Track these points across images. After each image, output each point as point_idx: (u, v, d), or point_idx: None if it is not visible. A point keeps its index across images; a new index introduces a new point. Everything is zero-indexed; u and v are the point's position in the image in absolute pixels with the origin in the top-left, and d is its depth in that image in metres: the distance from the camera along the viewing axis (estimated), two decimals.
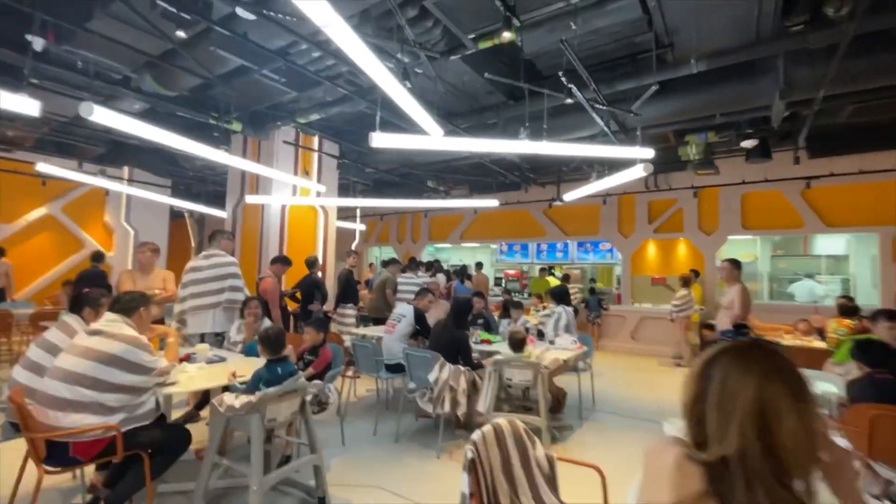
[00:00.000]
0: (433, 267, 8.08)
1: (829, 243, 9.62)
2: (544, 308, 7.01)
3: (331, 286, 6.86)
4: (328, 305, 6.29)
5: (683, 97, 4.63)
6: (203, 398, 3.48)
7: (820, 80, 3.93)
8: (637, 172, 4.09)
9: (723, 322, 4.41)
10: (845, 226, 7.32)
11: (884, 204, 7.07)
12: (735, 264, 4.52)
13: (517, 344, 3.51)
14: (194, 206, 8.58)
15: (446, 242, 12.14)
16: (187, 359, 2.91)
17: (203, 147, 3.97)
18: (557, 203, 7.76)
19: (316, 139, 6.76)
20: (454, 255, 16.00)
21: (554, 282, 9.22)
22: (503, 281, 12.55)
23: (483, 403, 3.45)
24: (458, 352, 3.53)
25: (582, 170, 8.11)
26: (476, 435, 1.66)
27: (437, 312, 5.76)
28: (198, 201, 8.77)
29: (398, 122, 4.85)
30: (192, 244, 12.21)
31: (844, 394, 2.63)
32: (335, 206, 7.35)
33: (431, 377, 3.36)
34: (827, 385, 2.99)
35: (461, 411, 3.43)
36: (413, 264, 6.40)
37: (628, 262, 9.15)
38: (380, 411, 4.24)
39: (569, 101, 4.36)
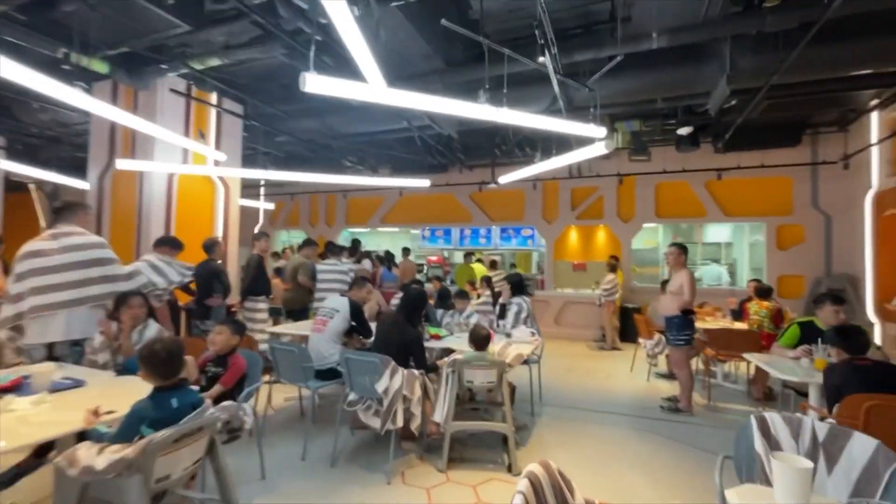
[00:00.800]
0: (358, 252, 7.29)
1: (717, 232, 10.73)
2: (478, 297, 6.70)
3: (233, 275, 5.76)
4: (232, 298, 5.25)
5: (633, 77, 4.48)
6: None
7: (764, 69, 3.99)
8: (598, 150, 3.83)
9: (668, 308, 4.41)
10: (740, 216, 8.08)
11: (772, 197, 7.91)
12: (682, 249, 4.53)
13: (481, 341, 3.03)
14: (42, 173, 6.66)
15: (364, 227, 11.29)
16: (15, 387, 1.92)
17: (49, 82, 2.79)
18: (492, 186, 7.43)
19: (214, 96, 5.54)
20: (371, 240, 15.15)
21: (480, 269, 8.98)
22: (425, 268, 12.12)
23: (440, 412, 2.93)
24: (410, 353, 2.95)
25: (515, 153, 7.87)
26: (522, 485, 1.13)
27: (372, 305, 5.12)
28: (48, 169, 6.84)
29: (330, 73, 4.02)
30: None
31: (821, 381, 2.59)
32: (239, 179, 6.18)
33: (380, 386, 2.74)
34: (786, 372, 2.99)
35: (415, 424, 2.86)
36: (334, 248, 5.59)
37: (552, 247, 9.24)
38: (307, 427, 3.49)
39: (526, 67, 3.94)
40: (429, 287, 7.65)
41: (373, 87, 2.75)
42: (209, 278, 4.20)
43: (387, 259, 7.62)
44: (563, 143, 5.61)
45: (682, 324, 4.38)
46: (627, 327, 8.24)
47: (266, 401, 3.69)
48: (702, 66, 4.29)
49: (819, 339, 3.02)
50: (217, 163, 5.59)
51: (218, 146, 5.67)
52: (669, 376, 5.54)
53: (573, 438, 3.59)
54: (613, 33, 3.86)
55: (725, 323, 5.40)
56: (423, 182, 7.26)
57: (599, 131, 4.03)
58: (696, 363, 5.11)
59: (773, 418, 1.72)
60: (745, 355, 3.45)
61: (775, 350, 3.40)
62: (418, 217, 10.61)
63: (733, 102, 5.51)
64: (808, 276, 7.57)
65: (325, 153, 8.08)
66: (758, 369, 4.68)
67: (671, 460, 3.25)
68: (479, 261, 9.68)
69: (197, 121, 5.37)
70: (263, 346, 3.46)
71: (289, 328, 4.58)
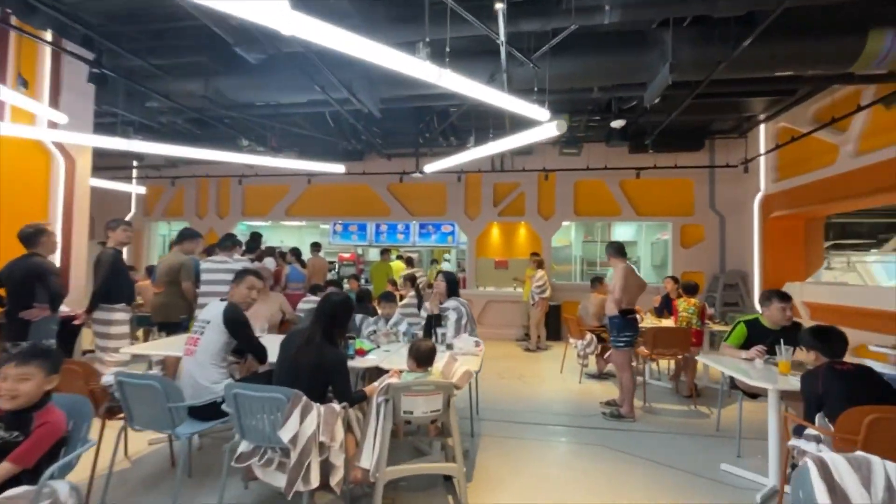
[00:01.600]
0: (257, 246, 6.14)
1: (623, 231, 11.31)
2: (401, 298, 6.00)
3: (78, 277, 4.39)
4: (75, 307, 3.94)
5: (576, 58, 4.15)
6: None
7: (704, 62, 3.88)
8: (548, 131, 3.38)
9: (609, 307, 4.15)
10: (650, 215, 8.44)
11: (677, 198, 8.37)
12: (613, 247, 4.32)
13: (425, 357, 2.37)
14: None
15: (265, 219, 9.90)
16: None
17: None
18: (416, 176, 6.76)
19: (49, 34, 4.10)
20: (273, 235, 13.63)
21: (400, 267, 8.29)
22: (336, 266, 11.08)
23: (368, 455, 2.21)
24: (329, 382, 2.18)
25: (438, 142, 7.30)
26: None
27: (264, 311, 4.14)
28: None
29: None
30: None
31: (783, 386, 2.37)
32: (89, 150, 4.74)
33: (286, 433, 1.94)
34: (741, 373, 2.79)
35: (336, 478, 2.11)
36: (226, 242, 4.50)
37: (474, 244, 8.88)
38: (178, 482, 2.51)
39: (465, 35, 3.36)
40: (346, 288, 6.78)
41: (282, 10, 1.94)
42: (26, 281, 2.94)
43: (294, 256, 6.57)
44: (498, 129, 5.16)
45: (621, 324, 4.16)
46: (549, 325, 8.17)
47: (117, 447, 2.62)
48: (644, 54, 4.09)
49: (782, 341, 2.85)
50: (54, 125, 4.16)
51: (55, 103, 4.23)
52: (600, 377, 5.40)
53: (522, 464, 3.09)
54: (562, 3, 3.44)
55: (651, 321, 5.39)
56: (337, 168, 6.36)
57: (543, 113, 3.62)
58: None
59: (836, 462, 1.33)
60: (699, 357, 3.25)
61: (725, 350, 3.25)
62: (329, 209, 9.55)
63: (657, 101, 5.55)
64: (706, 273, 8.13)
65: (216, 130, 6.74)
66: (684, 366, 4.67)
67: (631, 478, 2.91)
68: (398, 258, 8.98)
69: (19, 61, 3.91)
70: (108, 378, 2.41)
71: (158, 347, 3.46)
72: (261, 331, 3.45)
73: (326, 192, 9.49)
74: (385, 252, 8.47)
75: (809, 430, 2.20)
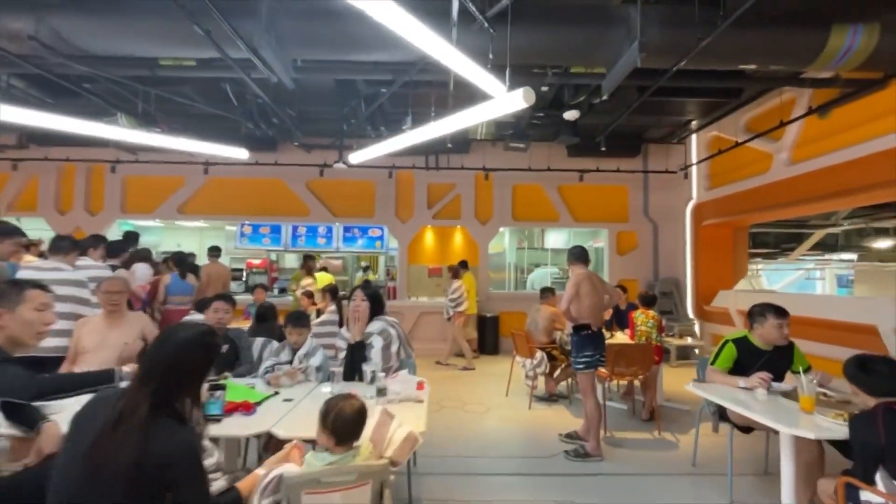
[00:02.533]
0: (125, 249, 4.72)
1: (556, 238, 11.13)
2: (318, 314, 4.96)
3: None
4: None
5: (534, 28, 3.51)
6: None
7: (673, 48, 3.44)
8: (514, 103, 2.65)
9: (567, 323, 3.55)
10: (587, 221, 8.20)
11: (614, 205, 8.23)
12: (572, 254, 3.74)
13: (348, 431, 1.48)
14: None
15: (151, 217, 8.17)
16: None
17: None
18: (339, 166, 5.74)
19: None
20: (169, 238, 11.66)
21: (326, 278, 7.18)
22: (245, 273, 9.58)
23: None
24: (165, 492, 1.20)
25: (366, 131, 6.36)
26: None
27: (114, 339, 2.86)
28: None
29: None
30: None
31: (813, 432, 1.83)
32: None
33: None
34: (752, 410, 2.25)
35: None
36: (63, 242, 3.20)
37: (405, 250, 8.01)
38: None
39: None
40: (248, 300, 5.56)
41: None
42: None
43: (179, 262, 5.21)
44: (441, 110, 4.38)
45: (578, 343, 3.57)
46: (486, 338, 7.54)
47: None
48: (608, 30, 3.57)
49: (802, 370, 2.37)
50: None
51: None
52: (549, 399, 4.80)
53: None
54: None
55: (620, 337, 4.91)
56: (239, 153, 5.18)
57: (500, 87, 2.91)
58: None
59: None
60: (690, 387, 2.69)
61: (715, 376, 2.73)
62: (234, 208, 8.12)
63: (606, 97, 5.17)
64: (641, 280, 8.04)
65: (76, 99, 5.19)
66: (644, 387, 4.21)
67: None
68: (323, 269, 7.87)
69: None
70: None
71: None
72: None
73: (230, 187, 8.05)
74: (308, 259, 7.31)
75: (870, 497, 1.65)
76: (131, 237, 5.12)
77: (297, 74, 4.23)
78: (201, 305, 4.07)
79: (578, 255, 3.74)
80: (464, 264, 7.16)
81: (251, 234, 9.09)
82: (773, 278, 14.09)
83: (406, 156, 7.76)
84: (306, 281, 6.62)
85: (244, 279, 9.41)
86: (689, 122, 6.78)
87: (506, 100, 2.63)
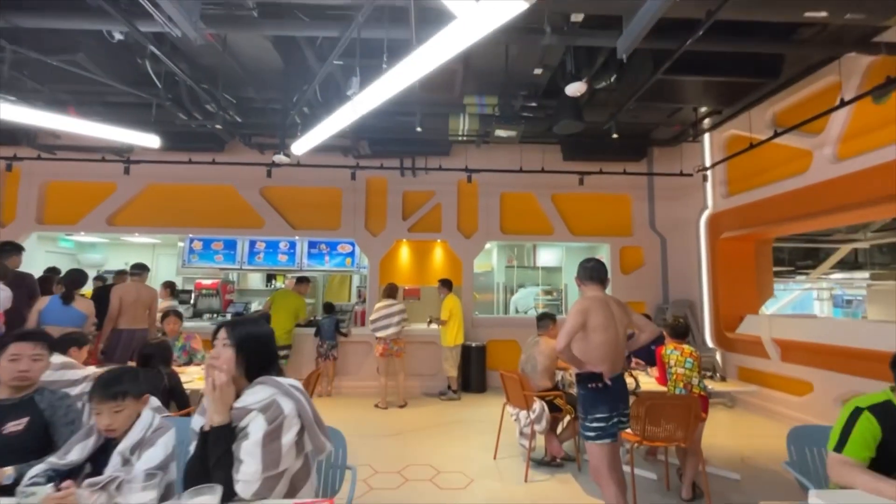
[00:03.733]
0: None
1: (548, 255, 10.07)
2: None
3: None
4: None
5: None
6: None
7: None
8: (509, 7, 1.58)
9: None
10: (586, 234, 7.16)
11: (615, 216, 7.22)
12: (583, 269, 2.67)
13: None
14: None
15: (75, 229, 6.88)
16: None
17: None
18: (281, 158, 4.59)
19: None
20: (115, 256, 10.37)
21: (295, 300, 5.96)
22: (193, 296, 8.29)
23: None
24: None
25: (318, 115, 5.28)
26: None
27: None
28: None
29: None
30: None
31: None
32: None
33: None
34: None
35: None
36: None
37: (377, 268, 6.86)
38: None
39: None
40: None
41: None
42: None
43: (71, 282, 3.97)
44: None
45: (587, 400, 2.47)
46: (470, 373, 6.35)
47: None
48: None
49: None
50: None
51: None
52: (551, 464, 3.62)
53: None
54: None
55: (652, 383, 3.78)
56: (148, 140, 4.04)
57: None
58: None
59: None
60: (814, 498, 1.55)
61: (845, 472, 1.60)
62: (176, 219, 6.90)
63: (611, 81, 4.21)
64: (649, 303, 6.99)
65: None
66: (685, 457, 3.06)
67: None
68: (299, 290, 6.68)
69: None
70: None
71: None
72: None
73: (172, 195, 6.87)
74: (303, 281, 6.15)
75: None
76: (4, 248, 3.90)
77: (209, 27, 3.14)
78: (61, 344, 2.85)
79: (592, 271, 2.67)
80: (446, 283, 6.05)
81: (201, 250, 7.89)
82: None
83: (376, 158, 6.72)
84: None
85: (192, 303, 8.12)
86: (702, 119, 5.84)
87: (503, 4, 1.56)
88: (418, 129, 5.23)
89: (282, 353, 5.82)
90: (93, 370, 2.94)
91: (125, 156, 6.38)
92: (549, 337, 3.73)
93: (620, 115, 5.17)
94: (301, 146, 3.90)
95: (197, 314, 7.89)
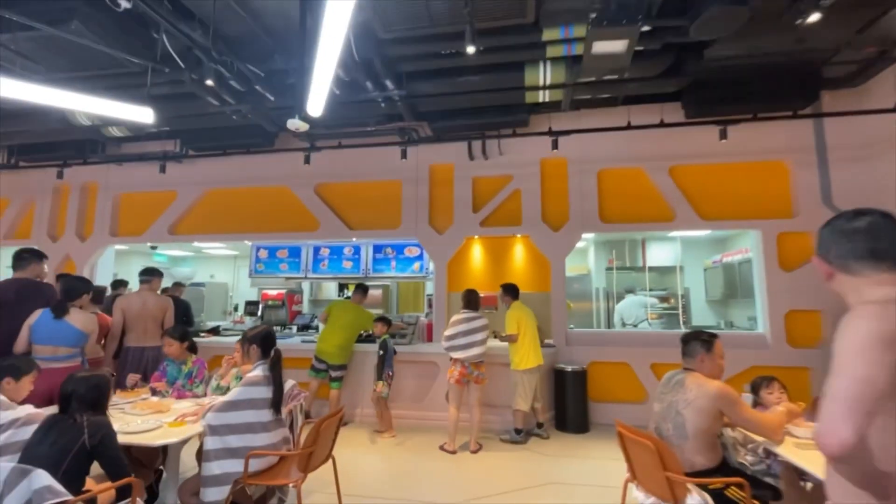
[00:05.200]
0: None
1: (660, 252, 8.06)
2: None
3: None
4: None
5: None
6: None
7: None
8: None
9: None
10: (722, 218, 5.25)
11: (768, 191, 5.22)
12: (849, 233, 1.16)
13: None
14: None
15: (141, 240, 6.73)
16: None
17: None
18: (297, 125, 3.61)
19: None
20: (202, 268, 10.67)
21: (354, 312, 5.09)
22: (260, 308, 7.88)
23: None
24: None
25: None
26: None
27: None
28: None
29: None
30: None
31: None
32: None
33: None
34: None
35: None
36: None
37: (444, 272, 5.69)
38: None
39: None
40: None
41: None
42: None
43: (67, 291, 3.37)
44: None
45: None
46: (566, 405, 4.84)
47: None
48: None
49: None
50: None
51: None
52: None
53: None
54: None
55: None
56: (142, 114, 3.33)
57: None
58: None
59: None
60: None
61: None
62: (232, 225, 6.45)
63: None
64: (826, 313, 4.85)
65: None
66: None
67: None
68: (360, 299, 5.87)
69: None
70: None
71: None
72: None
73: (229, 200, 6.44)
74: (361, 289, 5.32)
75: None
76: (21, 256, 3.45)
77: None
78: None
79: (880, 239, 1.12)
80: (510, 290, 4.66)
81: (267, 258, 7.42)
82: None
83: (437, 143, 5.59)
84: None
85: (260, 314, 7.71)
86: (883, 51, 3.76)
87: None
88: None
89: (334, 373, 4.88)
90: (26, 411, 2.13)
91: (179, 160, 6.09)
92: (704, 375, 2.18)
93: (777, 40, 3.41)
94: (315, 104, 2.88)
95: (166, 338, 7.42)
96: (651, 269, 8.01)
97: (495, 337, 4.58)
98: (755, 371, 4.76)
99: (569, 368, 4.81)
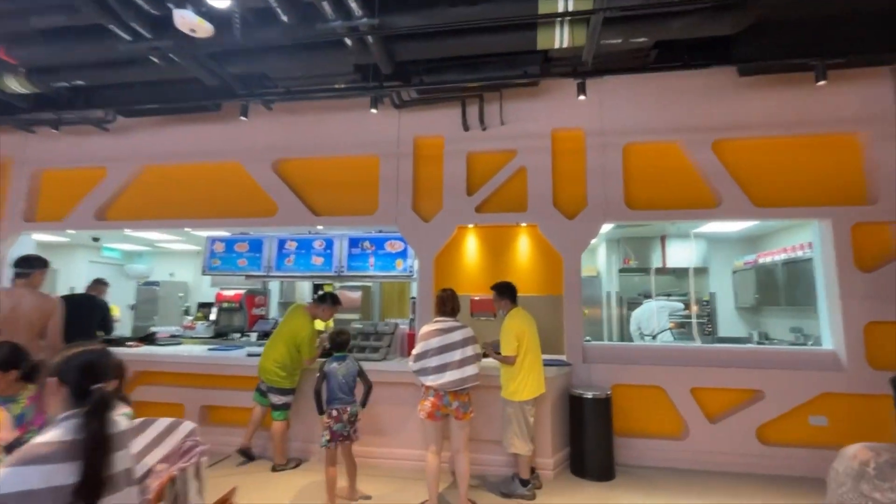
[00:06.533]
0: None
1: (682, 251, 6.98)
2: None
3: None
4: None
5: None
6: None
7: None
8: None
9: None
10: (780, 205, 4.16)
11: (839, 171, 4.15)
12: None
13: None
14: None
15: (62, 227, 5.51)
16: None
17: None
18: (188, 20, 2.47)
19: None
20: (160, 265, 9.51)
21: (297, 322, 3.95)
22: (215, 311, 6.71)
23: None
24: None
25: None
26: None
27: None
28: None
29: None
30: None
31: None
32: None
33: None
34: None
35: None
36: None
37: (430, 269, 4.56)
38: None
39: None
40: None
41: None
42: None
43: None
44: None
45: None
46: (584, 445, 3.71)
47: None
48: None
49: None
50: None
51: None
52: None
53: None
54: None
55: None
56: None
57: None
58: None
59: None
60: None
61: None
62: (175, 209, 5.27)
63: None
64: None
65: None
66: None
67: None
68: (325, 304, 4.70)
69: None
70: None
71: None
72: None
73: (171, 179, 5.27)
74: (322, 299, 4.08)
75: None
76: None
77: None
78: None
79: None
80: (505, 290, 3.52)
81: (224, 253, 6.24)
82: None
83: (423, 108, 4.49)
84: None
85: (214, 319, 6.51)
86: None
87: None
88: None
89: (275, 399, 3.72)
90: None
91: (105, 127, 4.93)
92: None
93: None
94: None
95: (219, 334, 6.27)
96: (674, 270, 6.95)
97: (486, 351, 3.43)
98: (827, 400, 3.69)
99: (588, 395, 3.69)
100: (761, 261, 6.11)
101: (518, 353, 3.24)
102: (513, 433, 3.23)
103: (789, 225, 5.78)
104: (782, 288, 5.68)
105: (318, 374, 3.30)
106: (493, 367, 3.51)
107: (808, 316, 5.56)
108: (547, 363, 3.64)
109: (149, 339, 5.24)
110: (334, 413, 3.18)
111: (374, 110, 4.14)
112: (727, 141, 4.25)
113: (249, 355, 4.30)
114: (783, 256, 5.58)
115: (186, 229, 5.27)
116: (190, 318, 6.87)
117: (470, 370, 3.04)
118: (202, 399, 4.30)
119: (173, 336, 5.97)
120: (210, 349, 4.81)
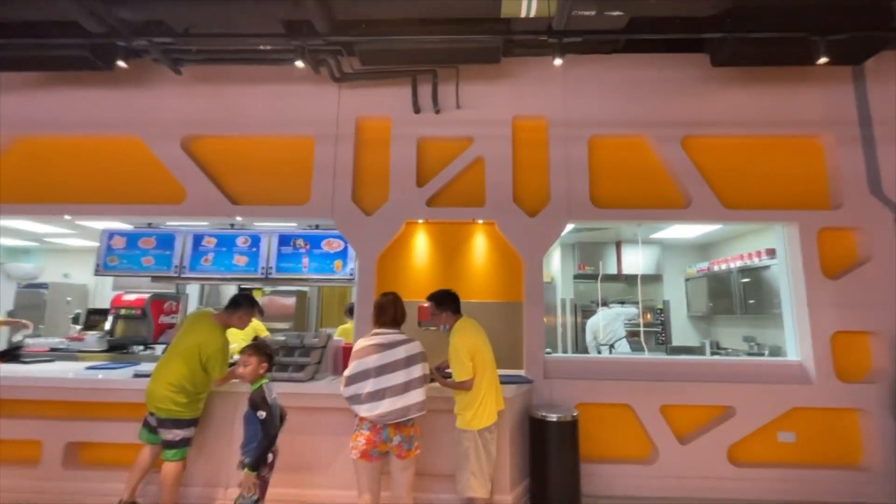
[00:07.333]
0: None
1: (636, 257, 6.79)
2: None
3: None
4: None
5: None
6: None
7: None
8: None
9: None
10: (750, 207, 3.93)
11: (807, 174, 3.99)
12: None
13: None
14: None
15: None
16: None
17: None
18: None
19: None
20: (52, 263, 8.14)
21: (201, 335, 3.08)
22: (111, 319, 5.61)
23: None
24: None
25: None
26: None
27: None
28: None
29: None
30: None
31: None
32: None
33: None
34: None
35: None
36: None
37: (372, 271, 3.89)
38: None
39: None
40: None
41: None
42: None
43: None
44: None
45: None
46: (547, 474, 3.19)
47: None
48: None
49: None
50: None
51: None
52: None
53: None
54: None
55: None
56: None
57: None
58: None
59: None
60: None
61: None
62: (55, 191, 4.23)
63: None
64: (882, 335, 3.64)
65: None
66: None
67: None
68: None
69: None
70: None
71: None
72: None
73: (50, 154, 4.23)
74: (236, 304, 3.16)
75: None
76: None
77: None
78: None
79: None
80: (445, 300, 2.94)
81: (124, 249, 5.19)
82: None
83: (368, 83, 3.87)
84: None
85: (109, 329, 5.41)
86: None
87: None
88: None
89: (165, 435, 2.87)
90: None
91: None
92: None
93: None
94: None
95: (115, 346, 5.19)
96: (626, 277, 6.72)
97: (433, 380, 2.80)
98: (798, 415, 3.43)
99: (553, 417, 3.18)
100: (715, 268, 6.02)
101: (475, 375, 2.67)
102: (470, 472, 2.63)
103: (744, 231, 5.71)
104: (736, 296, 5.57)
105: (258, 411, 2.46)
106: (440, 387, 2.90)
107: (762, 325, 5.48)
108: (504, 380, 3.10)
109: (9, 354, 4.13)
110: (269, 459, 2.44)
111: (299, 63, 3.45)
112: (696, 138, 3.97)
113: (136, 375, 3.39)
114: (738, 264, 5.47)
115: (67, 217, 4.22)
116: (78, 327, 5.69)
117: (415, 396, 2.43)
118: (70, 434, 3.32)
119: (53, 350, 4.87)
120: (89, 367, 3.82)
